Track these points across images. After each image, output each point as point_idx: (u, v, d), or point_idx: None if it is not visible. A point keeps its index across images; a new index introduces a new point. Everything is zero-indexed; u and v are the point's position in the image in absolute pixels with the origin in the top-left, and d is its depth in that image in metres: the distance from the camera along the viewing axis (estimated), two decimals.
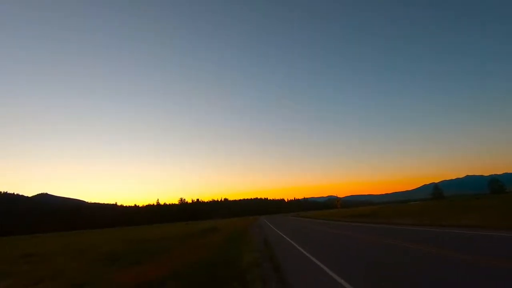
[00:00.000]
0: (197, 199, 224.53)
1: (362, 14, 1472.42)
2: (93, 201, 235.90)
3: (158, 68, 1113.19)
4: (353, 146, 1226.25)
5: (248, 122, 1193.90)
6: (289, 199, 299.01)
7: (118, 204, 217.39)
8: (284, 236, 19.77)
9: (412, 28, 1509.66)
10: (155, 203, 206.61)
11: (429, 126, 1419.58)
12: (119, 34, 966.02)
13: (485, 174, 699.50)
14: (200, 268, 8.17)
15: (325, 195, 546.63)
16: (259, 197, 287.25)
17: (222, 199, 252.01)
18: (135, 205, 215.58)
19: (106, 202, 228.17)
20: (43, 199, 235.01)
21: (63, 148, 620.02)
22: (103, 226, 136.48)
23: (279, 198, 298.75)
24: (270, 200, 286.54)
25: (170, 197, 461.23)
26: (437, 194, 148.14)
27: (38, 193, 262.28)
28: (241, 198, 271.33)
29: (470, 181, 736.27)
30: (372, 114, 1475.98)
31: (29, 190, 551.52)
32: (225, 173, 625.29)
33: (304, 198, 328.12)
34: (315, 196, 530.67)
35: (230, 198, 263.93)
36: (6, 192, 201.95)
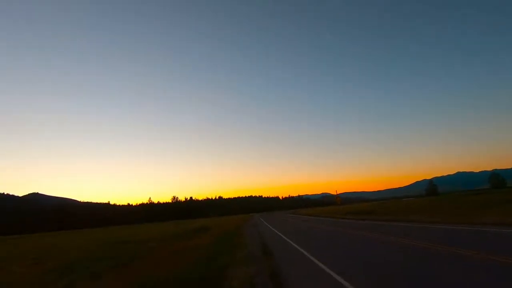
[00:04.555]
0: (191, 197, 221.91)
1: (360, 13, 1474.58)
2: (85, 200, 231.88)
3: (151, 67, 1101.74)
4: (346, 144, 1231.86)
5: (242, 120, 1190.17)
6: (283, 197, 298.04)
7: (111, 203, 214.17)
8: (289, 241, 15.18)
9: (400, 25, 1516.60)
10: (147, 202, 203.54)
11: (422, 124, 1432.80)
12: (114, 32, 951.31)
13: (476, 171, 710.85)
14: None
15: (319, 192, 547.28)
16: (253, 195, 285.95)
17: (217, 197, 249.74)
18: (128, 204, 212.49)
19: (98, 201, 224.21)
20: (35, 198, 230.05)
21: (55, 147, 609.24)
22: (95, 226, 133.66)
23: (273, 196, 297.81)
24: (265, 197, 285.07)
25: (163, 196, 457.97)
26: (431, 190, 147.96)
27: (29, 192, 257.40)
28: (236, 196, 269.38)
29: (461, 177, 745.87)
30: (365, 112, 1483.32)
31: (20, 189, 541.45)
32: (219, 171, 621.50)
33: (299, 195, 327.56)
34: (309, 193, 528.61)
35: (225, 196, 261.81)
36: None
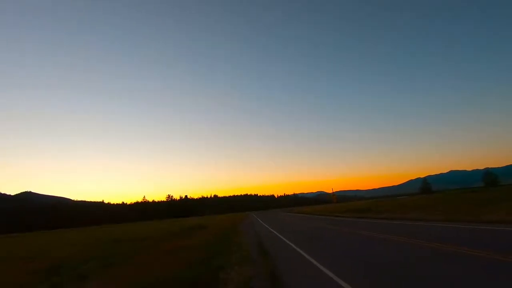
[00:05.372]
0: (186, 196, 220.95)
1: (362, 11, 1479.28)
2: (79, 199, 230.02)
3: (147, 67, 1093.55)
4: (341, 143, 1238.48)
5: (237, 119, 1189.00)
6: (279, 195, 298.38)
7: (105, 201, 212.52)
8: (286, 240, 14.76)
9: (393, 24, 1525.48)
10: (142, 200, 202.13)
11: (415, 123, 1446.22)
12: (112, 34, 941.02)
13: (468, 169, 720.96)
14: None
15: (314, 190, 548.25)
16: (249, 194, 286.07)
17: (212, 196, 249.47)
18: (123, 202, 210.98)
19: (92, 200, 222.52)
20: (27, 197, 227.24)
21: (48, 145, 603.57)
22: (89, 225, 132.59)
23: (269, 194, 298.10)
24: (260, 196, 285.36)
25: (158, 194, 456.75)
26: (425, 188, 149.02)
27: (21, 191, 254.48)
28: (231, 195, 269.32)
29: (454, 176, 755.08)
30: (359, 112, 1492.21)
31: (12, 188, 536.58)
32: (214, 169, 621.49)
33: (294, 194, 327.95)
34: (304, 192, 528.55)
35: (220, 194, 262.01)
36: None
